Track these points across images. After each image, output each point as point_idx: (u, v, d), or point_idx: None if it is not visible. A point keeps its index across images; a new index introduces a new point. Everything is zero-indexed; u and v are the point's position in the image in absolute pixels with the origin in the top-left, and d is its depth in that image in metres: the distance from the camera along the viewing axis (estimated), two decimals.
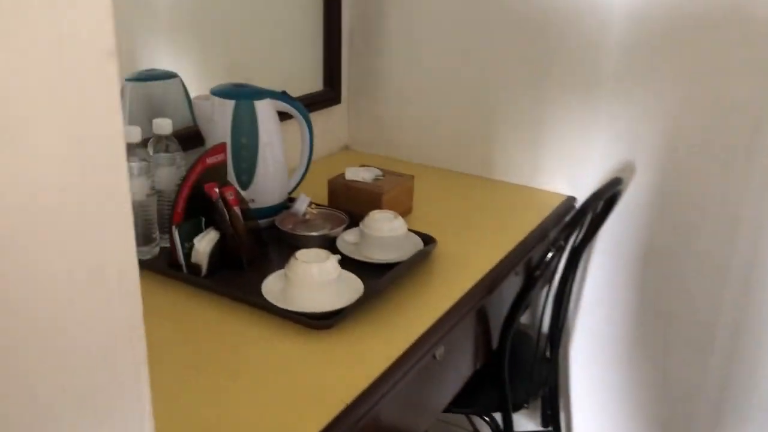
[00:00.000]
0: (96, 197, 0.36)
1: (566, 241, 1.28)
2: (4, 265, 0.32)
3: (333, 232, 1.26)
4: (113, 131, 0.35)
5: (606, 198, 1.41)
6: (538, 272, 1.24)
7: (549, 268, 1.27)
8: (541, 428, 1.71)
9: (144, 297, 1.08)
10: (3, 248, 0.32)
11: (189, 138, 1.34)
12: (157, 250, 1.19)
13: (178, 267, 1.13)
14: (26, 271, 0.33)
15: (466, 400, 1.42)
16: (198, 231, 1.15)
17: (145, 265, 1.15)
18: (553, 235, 1.44)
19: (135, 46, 1.37)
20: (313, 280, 1.02)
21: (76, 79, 0.33)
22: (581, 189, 1.56)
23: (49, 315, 0.34)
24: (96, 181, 0.35)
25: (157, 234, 1.19)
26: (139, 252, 1.17)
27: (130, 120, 1.31)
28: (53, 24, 0.32)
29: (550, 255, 1.23)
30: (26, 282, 0.33)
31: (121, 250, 0.37)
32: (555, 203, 1.55)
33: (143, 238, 1.17)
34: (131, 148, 1.13)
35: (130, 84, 1.32)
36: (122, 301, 0.37)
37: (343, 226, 1.29)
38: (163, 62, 1.38)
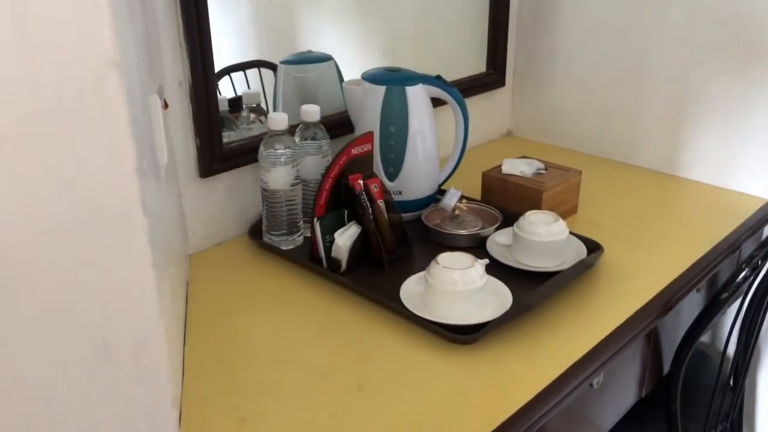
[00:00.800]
0: (93, 265, 0.29)
1: (766, 259, 1.06)
2: None
3: (483, 232, 1.15)
4: (117, 175, 0.28)
5: None
6: (726, 294, 1.04)
7: (740, 289, 1.06)
8: None
9: (283, 287, 1.04)
10: None
11: (340, 124, 1.28)
12: (300, 239, 1.16)
13: (319, 261, 1.08)
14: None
15: (629, 428, 1.26)
16: (341, 224, 1.09)
17: (287, 255, 1.12)
18: (747, 248, 1.22)
19: (295, 28, 1.34)
20: (455, 288, 0.92)
21: (60, 101, 0.26)
22: None
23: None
24: (91, 242, 0.28)
25: (301, 223, 1.16)
26: (283, 241, 1.15)
27: (283, 104, 1.29)
28: (19, 22, 0.25)
29: (743, 275, 1.03)
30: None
31: (138, 320, 0.30)
32: (751, 209, 1.31)
33: (288, 227, 1.13)
34: (277, 136, 1.09)
35: (284, 67, 1.28)
36: (141, 383, 0.30)
37: (496, 225, 1.17)
38: (321, 44, 1.33)
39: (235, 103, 1.25)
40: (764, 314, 1.27)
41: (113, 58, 0.27)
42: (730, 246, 1.19)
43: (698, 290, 1.18)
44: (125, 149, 0.29)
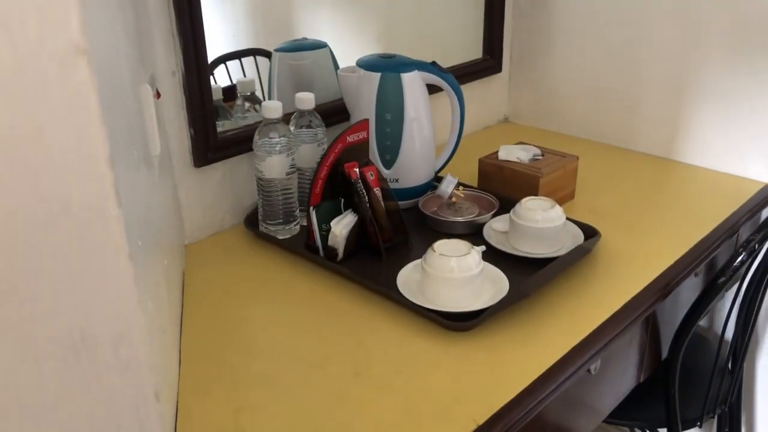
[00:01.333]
0: (67, 257, 0.28)
1: (763, 243, 1.06)
2: None
3: (480, 219, 1.15)
4: (87, 166, 0.27)
5: None
6: (723, 278, 1.04)
7: (737, 273, 1.06)
8: None
9: (279, 277, 1.04)
10: None
11: (335, 112, 1.28)
12: (297, 228, 1.16)
13: (315, 250, 1.08)
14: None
15: (628, 412, 1.26)
16: (337, 212, 1.09)
17: (284, 244, 1.12)
18: (745, 232, 1.21)
19: (290, 16, 1.33)
20: (452, 275, 0.92)
21: (21, 89, 0.25)
22: None
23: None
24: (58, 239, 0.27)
25: (297, 212, 1.15)
26: (279, 231, 1.15)
27: (278, 92, 1.28)
28: None
29: (740, 259, 1.02)
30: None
31: (116, 312, 0.30)
32: (749, 192, 1.31)
33: (284, 216, 1.13)
34: (272, 124, 1.09)
35: (278, 54, 1.28)
36: (122, 375, 0.29)
37: (493, 211, 1.17)
38: (315, 31, 1.32)
39: (230, 91, 1.24)
40: (762, 298, 1.27)
41: (81, 44, 0.27)
42: (728, 230, 1.19)
43: (696, 275, 1.18)
44: (96, 140, 0.29)
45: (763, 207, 1.30)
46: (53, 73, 0.27)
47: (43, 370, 0.29)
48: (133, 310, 0.30)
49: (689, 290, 1.22)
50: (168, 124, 1.08)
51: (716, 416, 1.42)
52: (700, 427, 1.29)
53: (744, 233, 1.32)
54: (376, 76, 1.16)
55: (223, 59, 1.23)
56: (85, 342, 0.28)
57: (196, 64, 1.07)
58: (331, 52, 1.33)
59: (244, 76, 1.26)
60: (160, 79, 1.05)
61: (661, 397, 1.23)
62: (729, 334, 1.34)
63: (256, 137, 1.09)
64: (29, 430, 0.28)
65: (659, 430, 1.31)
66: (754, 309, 1.28)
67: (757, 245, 1.06)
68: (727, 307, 1.30)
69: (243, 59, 1.27)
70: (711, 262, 1.21)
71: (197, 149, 1.12)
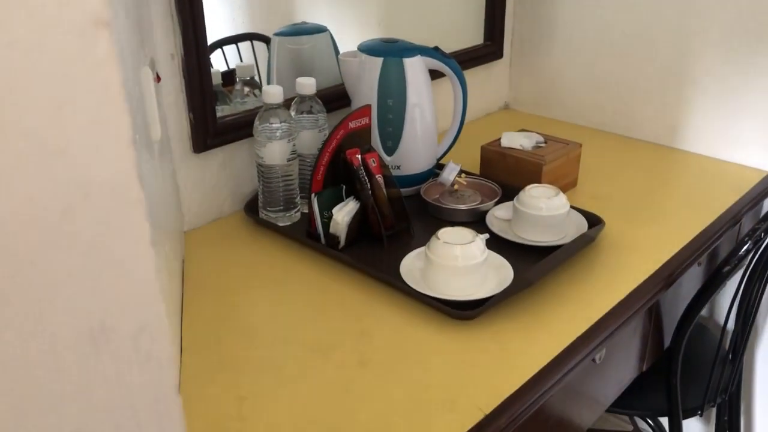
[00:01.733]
0: (86, 244, 0.26)
1: None
2: None
3: (483, 206, 1.14)
4: (110, 146, 0.26)
5: None
6: (728, 267, 1.03)
7: (742, 262, 1.05)
8: None
9: (280, 264, 1.02)
10: None
11: (336, 97, 1.26)
12: (298, 216, 1.14)
13: (316, 237, 1.07)
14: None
15: (629, 401, 1.26)
16: (338, 199, 1.07)
17: (284, 231, 1.10)
18: (747, 221, 1.21)
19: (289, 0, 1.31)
20: (456, 263, 0.91)
21: (40, 64, 0.23)
22: None
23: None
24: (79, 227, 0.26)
25: (298, 199, 1.14)
26: (280, 218, 1.13)
27: (278, 77, 1.26)
28: None
29: (745, 248, 1.01)
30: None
31: (137, 302, 0.28)
32: (752, 181, 1.30)
33: (284, 203, 1.11)
34: (273, 110, 1.07)
35: (278, 39, 1.25)
36: (142, 368, 0.28)
37: (495, 199, 1.15)
38: (315, 15, 1.30)
39: (229, 76, 1.22)
40: (764, 287, 1.26)
41: (103, 15, 0.25)
42: (731, 219, 1.18)
43: (699, 264, 1.17)
44: (118, 118, 0.27)
45: (765, 196, 1.29)
46: (73, 47, 0.25)
47: (61, 365, 0.27)
48: (155, 299, 0.29)
49: (691, 279, 1.21)
50: (167, 109, 1.06)
51: (716, 405, 1.42)
52: (700, 415, 1.29)
53: (746, 222, 1.31)
54: (379, 61, 1.14)
55: (219, 44, 1.21)
56: (105, 334, 0.27)
57: (195, 47, 1.05)
58: (332, 37, 1.31)
59: (241, 61, 1.24)
60: (159, 62, 1.03)
61: (662, 386, 1.22)
62: (730, 323, 1.34)
63: (256, 122, 1.08)
64: (46, 425, 0.27)
65: (659, 419, 1.31)
66: (756, 299, 1.28)
67: (762, 234, 1.05)
68: (727, 295, 1.30)
69: (240, 44, 1.24)
70: (712, 252, 1.20)
71: (197, 134, 1.10)
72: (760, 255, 1.17)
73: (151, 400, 0.28)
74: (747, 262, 1.18)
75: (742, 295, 1.22)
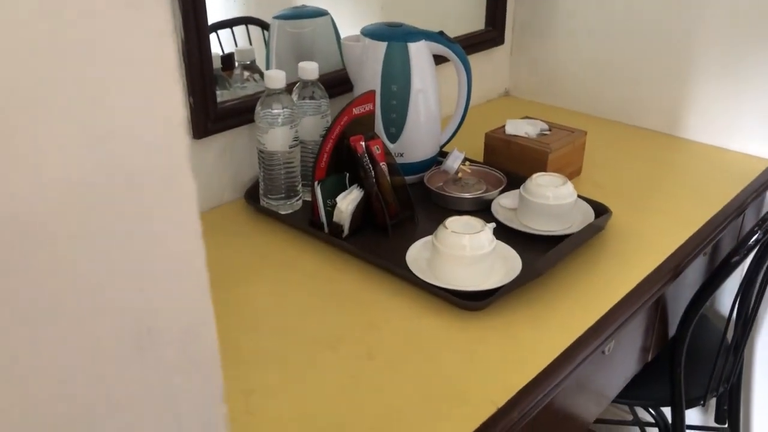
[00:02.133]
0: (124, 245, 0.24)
1: None
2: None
3: (488, 195, 1.12)
4: (161, 128, 0.23)
5: None
6: (737, 257, 1.02)
7: (750, 252, 1.04)
8: (714, 425, 1.49)
9: (283, 253, 1.00)
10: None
11: (338, 83, 1.23)
12: (299, 204, 1.12)
13: (320, 226, 1.04)
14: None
15: (632, 391, 1.25)
16: (342, 187, 1.05)
17: (286, 220, 1.08)
18: (751, 211, 1.20)
19: None
20: (464, 253, 0.89)
21: (91, 39, 0.21)
22: None
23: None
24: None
25: (300, 187, 1.11)
26: (281, 206, 1.11)
27: (277, 62, 1.23)
28: None
29: (755, 238, 1.00)
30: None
31: (186, 303, 0.26)
32: (756, 171, 1.29)
33: (286, 191, 1.09)
34: (275, 95, 1.04)
35: (278, 22, 1.22)
36: (188, 375, 0.26)
37: (500, 187, 1.14)
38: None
39: (228, 60, 1.19)
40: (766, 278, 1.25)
41: None
42: (736, 209, 1.17)
43: (705, 254, 1.17)
44: (171, 98, 0.25)
45: None
46: (127, 17, 0.23)
47: (104, 372, 0.25)
48: (204, 299, 0.26)
49: (695, 269, 1.20)
50: None
51: (717, 395, 1.42)
52: (703, 405, 1.29)
53: (750, 212, 1.30)
54: (383, 46, 1.11)
55: (213, 28, 1.17)
56: (150, 337, 0.25)
57: (196, 29, 1.02)
58: (333, 21, 1.28)
59: (236, 46, 1.21)
60: None
61: (665, 377, 1.22)
62: (734, 314, 1.33)
63: (258, 108, 1.05)
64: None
65: (661, 408, 1.31)
66: (754, 285, 1.27)
67: None
68: (727, 286, 1.29)
69: (235, 28, 1.21)
70: (717, 242, 1.19)
71: (196, 119, 1.07)
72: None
73: (195, 410, 0.26)
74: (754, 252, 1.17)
75: (746, 285, 1.21)
